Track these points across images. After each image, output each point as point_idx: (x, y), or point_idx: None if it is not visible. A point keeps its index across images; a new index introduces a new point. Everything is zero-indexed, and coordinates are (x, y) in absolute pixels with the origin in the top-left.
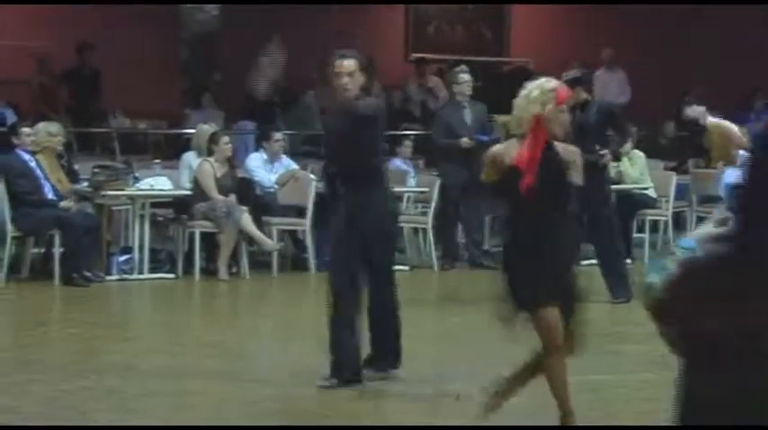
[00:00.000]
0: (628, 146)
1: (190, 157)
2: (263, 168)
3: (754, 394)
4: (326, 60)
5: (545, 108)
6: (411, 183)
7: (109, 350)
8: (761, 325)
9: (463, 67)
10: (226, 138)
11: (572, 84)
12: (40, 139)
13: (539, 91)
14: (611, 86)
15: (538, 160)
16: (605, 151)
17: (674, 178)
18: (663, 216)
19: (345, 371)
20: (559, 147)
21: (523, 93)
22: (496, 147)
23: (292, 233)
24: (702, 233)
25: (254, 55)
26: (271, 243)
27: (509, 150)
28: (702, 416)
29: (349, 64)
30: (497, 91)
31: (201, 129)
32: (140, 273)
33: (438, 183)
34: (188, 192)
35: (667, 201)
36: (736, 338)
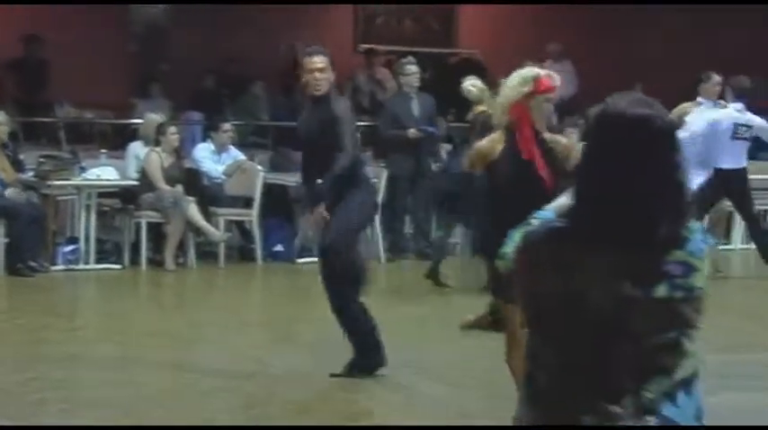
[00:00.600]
0: (574, 137)
1: (136, 147)
2: (211, 159)
3: (576, 356)
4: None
5: (525, 96)
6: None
7: (56, 340)
8: (584, 292)
9: (410, 58)
10: (173, 129)
11: None
12: None
13: (519, 79)
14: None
15: (536, 153)
16: None
17: None
18: None
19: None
20: (546, 137)
21: (507, 81)
22: (482, 143)
23: (239, 223)
24: (558, 204)
25: (203, 47)
26: (218, 233)
27: (494, 145)
28: (541, 378)
29: (319, 60)
30: (445, 82)
31: (149, 118)
32: (86, 263)
33: (385, 174)
34: (135, 183)
35: None
36: (562, 304)
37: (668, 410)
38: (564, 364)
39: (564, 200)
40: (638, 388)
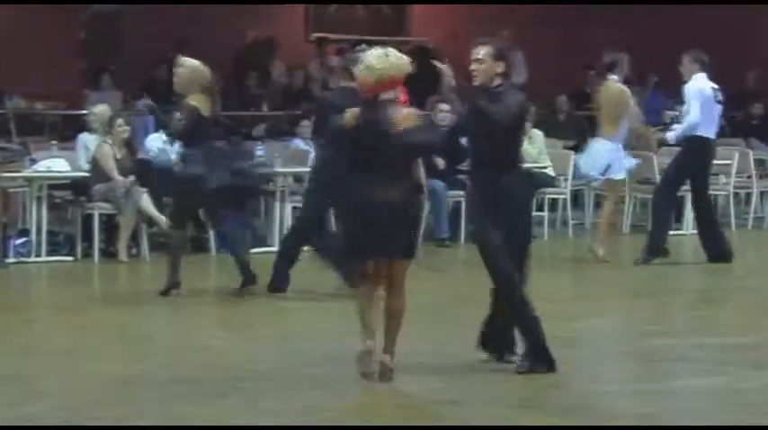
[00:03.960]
0: (527, 125)
1: (86, 138)
2: (164, 149)
3: None
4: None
5: None
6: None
7: (9, 333)
8: None
9: (364, 46)
10: (120, 121)
11: None
12: None
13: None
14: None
15: None
16: None
17: (572, 157)
18: (562, 194)
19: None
20: None
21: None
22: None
23: None
24: None
25: (154, 37)
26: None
27: None
28: None
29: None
30: None
31: (97, 109)
32: (38, 255)
33: None
34: (86, 174)
35: (566, 180)
36: None
37: None
38: None
39: None
40: None
